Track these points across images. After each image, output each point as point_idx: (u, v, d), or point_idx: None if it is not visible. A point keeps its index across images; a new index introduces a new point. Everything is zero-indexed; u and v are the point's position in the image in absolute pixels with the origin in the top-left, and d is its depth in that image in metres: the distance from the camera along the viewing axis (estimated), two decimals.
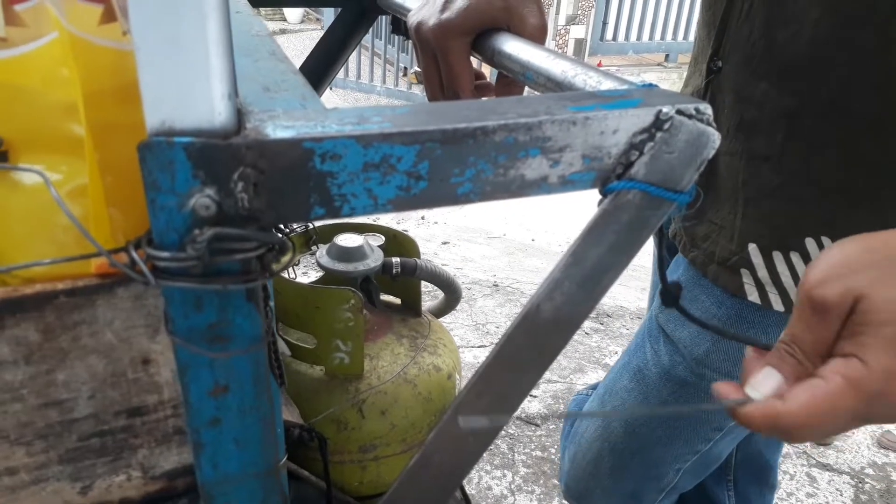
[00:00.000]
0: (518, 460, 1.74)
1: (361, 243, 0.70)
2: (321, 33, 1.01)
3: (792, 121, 0.62)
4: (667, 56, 5.63)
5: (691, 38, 5.38)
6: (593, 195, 0.37)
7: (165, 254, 0.29)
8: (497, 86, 0.67)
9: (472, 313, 2.40)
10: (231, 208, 0.29)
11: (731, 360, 0.73)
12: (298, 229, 0.75)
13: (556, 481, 1.67)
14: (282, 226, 0.45)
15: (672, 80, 5.27)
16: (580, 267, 0.37)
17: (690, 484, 0.89)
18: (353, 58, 4.98)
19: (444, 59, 0.61)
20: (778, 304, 0.67)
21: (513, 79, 0.54)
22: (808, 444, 1.84)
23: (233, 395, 0.34)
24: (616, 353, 2.21)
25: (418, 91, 5.04)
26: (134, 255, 0.30)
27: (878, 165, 0.60)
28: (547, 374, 2.03)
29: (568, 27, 5.18)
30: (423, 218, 3.25)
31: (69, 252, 0.34)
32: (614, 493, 0.90)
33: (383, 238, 0.78)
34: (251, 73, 0.40)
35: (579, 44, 5.21)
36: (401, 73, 5.24)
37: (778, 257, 0.66)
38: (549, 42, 4.93)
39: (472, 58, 0.61)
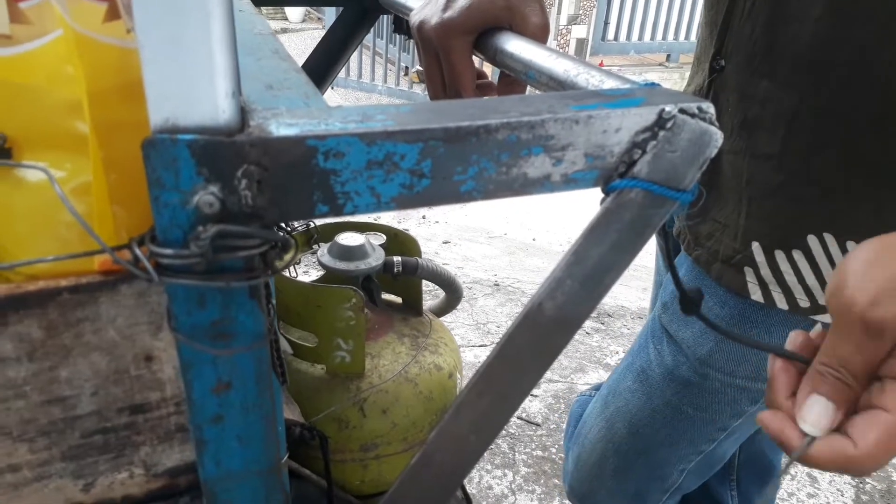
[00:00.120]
0: (519, 460, 1.74)
1: (363, 242, 0.70)
2: (322, 33, 1.01)
3: (792, 120, 0.62)
4: (668, 56, 5.63)
5: (693, 38, 5.39)
6: (595, 194, 0.37)
7: (169, 251, 0.29)
8: (499, 85, 0.67)
9: (473, 312, 2.40)
10: (234, 205, 0.29)
11: (735, 360, 0.73)
12: (300, 228, 0.75)
13: (556, 481, 1.67)
14: (284, 224, 0.45)
15: (673, 80, 5.26)
16: (582, 266, 0.37)
17: (694, 484, 0.89)
18: (354, 57, 4.98)
19: (447, 58, 0.61)
20: (781, 303, 0.67)
21: (515, 78, 0.54)
22: None
23: (235, 392, 0.34)
24: (617, 352, 2.21)
25: (419, 90, 5.04)
26: (137, 251, 0.30)
27: (878, 165, 0.60)
28: (548, 374, 2.03)
29: (570, 27, 5.17)
30: (424, 217, 3.24)
31: (72, 249, 0.34)
32: (618, 494, 0.90)
33: (384, 237, 0.78)
34: (254, 71, 0.40)
35: (581, 43, 5.20)
36: (402, 73, 5.25)
37: (780, 256, 0.66)
38: (551, 42, 4.92)
39: (474, 57, 0.61)
